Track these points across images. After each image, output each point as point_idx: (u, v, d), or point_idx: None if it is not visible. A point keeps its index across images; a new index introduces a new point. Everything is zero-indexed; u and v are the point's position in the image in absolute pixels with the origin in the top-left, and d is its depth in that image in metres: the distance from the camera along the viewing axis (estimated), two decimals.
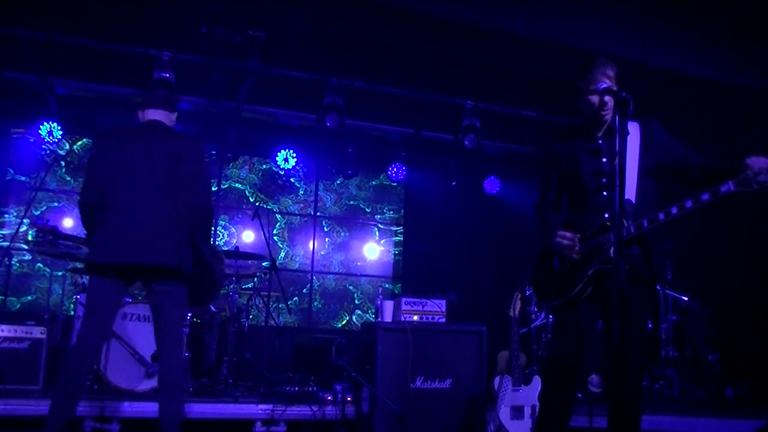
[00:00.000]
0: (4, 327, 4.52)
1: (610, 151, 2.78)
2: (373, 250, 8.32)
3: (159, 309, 3.20)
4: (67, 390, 3.07)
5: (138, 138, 3.31)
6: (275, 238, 7.86)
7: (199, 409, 4.24)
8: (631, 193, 2.72)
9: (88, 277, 3.16)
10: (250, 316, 5.58)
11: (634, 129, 2.82)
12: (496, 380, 4.25)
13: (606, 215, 2.75)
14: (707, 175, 2.68)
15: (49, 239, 3.67)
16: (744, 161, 2.50)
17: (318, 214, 8.12)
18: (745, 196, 2.54)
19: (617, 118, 2.43)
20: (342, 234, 8.23)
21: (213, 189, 7.72)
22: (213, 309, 5.35)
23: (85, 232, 3.35)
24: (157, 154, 3.21)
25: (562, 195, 2.98)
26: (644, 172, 2.76)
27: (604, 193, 2.78)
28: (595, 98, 2.73)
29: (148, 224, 3.11)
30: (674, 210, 2.58)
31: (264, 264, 5.63)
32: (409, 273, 8.09)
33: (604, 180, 2.78)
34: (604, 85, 2.60)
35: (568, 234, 2.77)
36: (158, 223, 3.13)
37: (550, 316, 5.90)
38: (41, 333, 4.55)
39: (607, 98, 2.71)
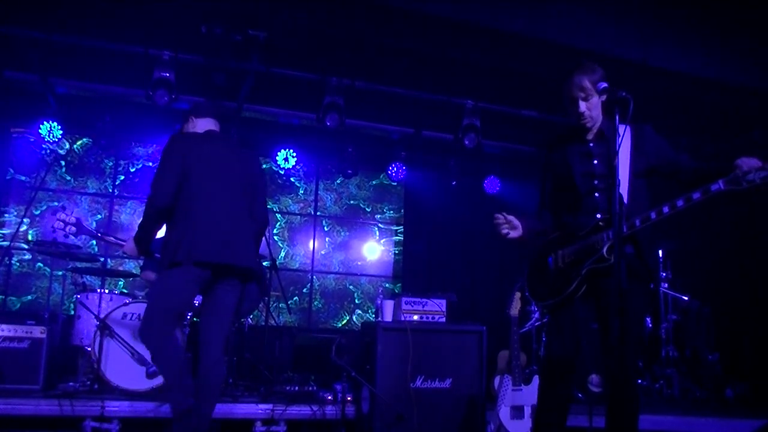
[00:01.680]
0: (4, 327, 4.52)
1: (601, 153, 2.84)
2: (373, 250, 8.32)
3: (221, 305, 3.29)
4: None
5: (215, 145, 3.40)
6: (275, 237, 7.86)
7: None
8: (623, 194, 2.75)
9: (171, 273, 3.14)
10: (250, 316, 5.58)
11: (625, 132, 2.83)
12: (496, 380, 4.25)
13: (598, 216, 2.79)
14: (699, 176, 2.71)
15: (72, 232, 3.55)
16: (734, 161, 2.55)
17: (318, 213, 8.12)
18: (743, 196, 2.56)
19: (617, 117, 2.45)
20: (342, 234, 8.24)
21: None
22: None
23: (144, 233, 3.37)
24: (238, 163, 3.38)
25: (554, 197, 3.04)
26: (636, 174, 2.80)
27: (596, 194, 2.83)
28: (572, 108, 2.81)
29: (236, 228, 3.26)
30: (666, 209, 2.62)
31: (264, 264, 5.63)
32: (409, 273, 8.09)
33: (596, 182, 2.83)
34: (603, 86, 2.61)
35: (509, 216, 2.91)
36: (243, 228, 3.32)
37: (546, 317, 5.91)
38: (41, 333, 4.55)
39: (583, 108, 2.78)
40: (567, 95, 2.82)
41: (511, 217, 2.94)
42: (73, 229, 3.69)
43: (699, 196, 2.57)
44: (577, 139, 2.93)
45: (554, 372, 2.87)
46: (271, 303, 5.45)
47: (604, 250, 2.71)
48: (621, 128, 2.82)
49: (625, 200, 2.75)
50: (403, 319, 4.42)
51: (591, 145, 2.89)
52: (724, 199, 2.60)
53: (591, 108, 2.79)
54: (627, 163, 2.80)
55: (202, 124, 3.52)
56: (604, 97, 2.79)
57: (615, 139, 2.80)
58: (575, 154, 2.91)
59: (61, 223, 3.77)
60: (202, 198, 3.21)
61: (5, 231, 6.84)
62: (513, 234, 2.92)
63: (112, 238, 3.78)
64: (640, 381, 5.62)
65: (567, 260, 2.83)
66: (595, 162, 2.85)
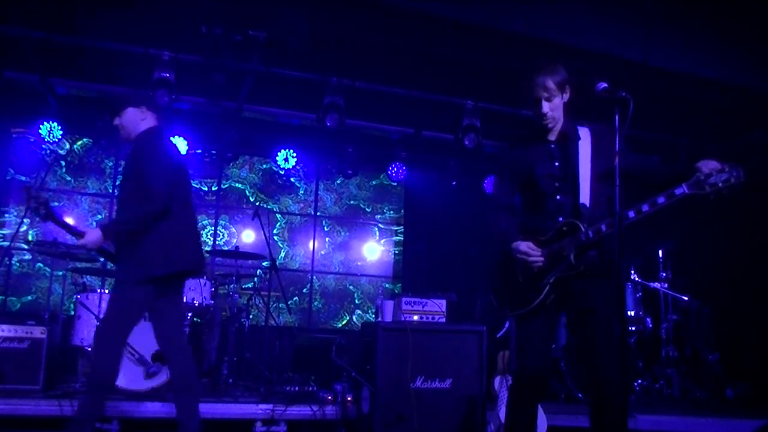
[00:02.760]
0: (4, 327, 4.52)
1: (563, 155, 2.82)
2: (373, 250, 8.32)
3: (170, 310, 3.30)
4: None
5: (173, 144, 3.34)
6: (275, 237, 7.86)
7: (199, 408, 4.24)
8: (585, 197, 2.75)
9: (141, 286, 3.07)
10: (250, 316, 5.58)
11: (585, 134, 2.84)
12: (496, 380, 4.24)
13: (561, 219, 2.75)
14: (662, 180, 2.68)
15: (42, 213, 3.24)
16: (695, 164, 2.53)
17: (318, 213, 8.12)
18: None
19: (617, 118, 2.43)
20: (342, 234, 8.24)
21: (213, 189, 7.73)
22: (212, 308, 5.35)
23: (126, 234, 3.16)
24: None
25: (515, 197, 2.98)
26: (597, 177, 2.76)
27: (558, 197, 2.79)
28: (535, 108, 2.79)
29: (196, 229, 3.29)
30: (631, 214, 2.57)
31: (264, 264, 5.63)
32: (409, 273, 8.09)
33: (558, 184, 2.79)
34: (603, 85, 2.59)
35: (525, 246, 2.75)
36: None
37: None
38: (41, 333, 4.55)
39: (546, 108, 2.75)
40: (530, 95, 2.79)
41: (530, 245, 2.77)
42: (43, 210, 3.35)
43: (664, 201, 2.53)
44: (538, 140, 2.90)
45: (528, 387, 2.77)
46: (271, 303, 5.45)
47: (572, 257, 2.66)
48: (582, 130, 2.84)
49: (588, 203, 2.73)
50: (403, 319, 4.42)
51: (552, 146, 2.85)
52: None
53: (554, 109, 2.77)
54: (588, 166, 2.78)
55: (154, 119, 3.39)
56: (566, 98, 2.79)
57: (575, 139, 2.82)
58: (537, 155, 2.86)
59: (33, 201, 3.29)
60: (176, 204, 3.14)
61: (5, 231, 6.84)
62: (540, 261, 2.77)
63: (71, 227, 3.35)
64: (640, 381, 5.62)
65: (535, 268, 2.75)
66: (557, 164, 2.82)
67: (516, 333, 2.88)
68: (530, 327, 2.78)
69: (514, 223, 2.90)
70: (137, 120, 3.36)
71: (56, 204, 7.12)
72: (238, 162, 7.77)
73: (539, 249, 2.74)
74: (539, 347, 2.77)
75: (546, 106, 2.76)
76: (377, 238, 8.37)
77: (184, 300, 4.95)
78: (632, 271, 5.99)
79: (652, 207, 2.55)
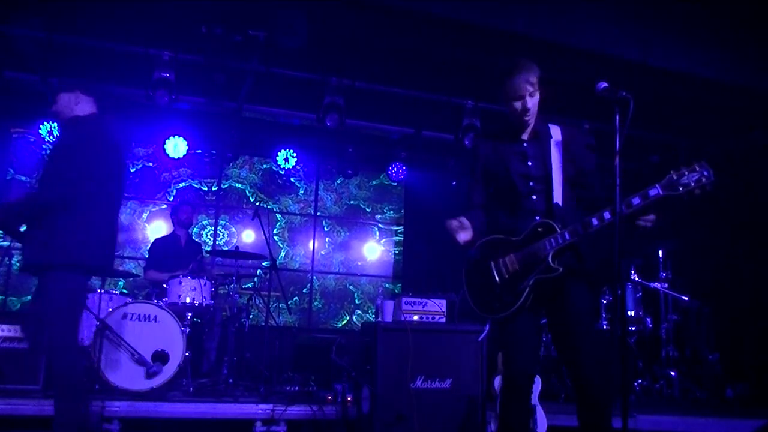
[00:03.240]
0: (4, 327, 4.51)
1: (536, 154, 2.79)
2: (374, 250, 8.33)
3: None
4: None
5: (108, 137, 3.29)
6: (275, 237, 7.86)
7: (199, 409, 4.24)
8: (558, 196, 2.73)
9: (72, 278, 3.00)
10: (251, 316, 5.58)
11: (556, 132, 2.83)
12: (497, 380, 4.24)
13: (537, 218, 2.73)
14: (594, 200, 2.73)
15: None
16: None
17: (318, 213, 8.12)
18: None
19: (617, 118, 2.43)
20: (342, 234, 8.24)
21: (213, 189, 7.73)
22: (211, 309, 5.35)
23: (24, 219, 3.12)
24: None
25: (488, 196, 2.94)
26: (567, 177, 2.76)
27: (534, 197, 2.77)
28: (518, 104, 2.76)
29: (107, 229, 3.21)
30: (607, 215, 2.56)
31: (264, 264, 5.62)
32: (409, 273, 8.09)
33: (532, 184, 2.77)
34: (603, 85, 2.59)
35: (454, 221, 2.78)
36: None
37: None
38: (41, 333, 4.54)
39: (530, 104, 2.74)
40: (512, 93, 2.77)
41: (463, 219, 2.82)
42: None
43: (638, 202, 2.51)
44: (511, 138, 2.87)
45: (520, 387, 2.75)
46: (271, 303, 5.45)
47: (549, 259, 2.64)
48: (553, 128, 2.83)
49: (560, 203, 2.72)
50: (403, 319, 4.42)
51: (525, 145, 2.84)
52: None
53: (534, 105, 2.77)
54: (559, 166, 2.77)
55: (90, 105, 3.30)
56: (537, 96, 2.78)
57: (548, 138, 2.81)
58: (510, 154, 2.83)
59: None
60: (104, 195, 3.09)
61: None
62: (465, 237, 2.79)
63: None
64: (640, 381, 5.62)
65: (511, 270, 2.73)
66: (530, 163, 2.80)
67: (500, 336, 2.83)
68: (513, 330, 2.75)
69: (478, 224, 2.87)
70: (70, 105, 3.32)
71: None
72: (238, 162, 7.78)
73: (516, 251, 2.72)
74: (523, 348, 2.74)
75: (529, 102, 2.75)
76: (377, 238, 8.37)
77: (186, 300, 4.95)
78: (632, 271, 5.99)
79: (628, 208, 2.52)
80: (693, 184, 2.48)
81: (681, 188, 2.48)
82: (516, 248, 2.73)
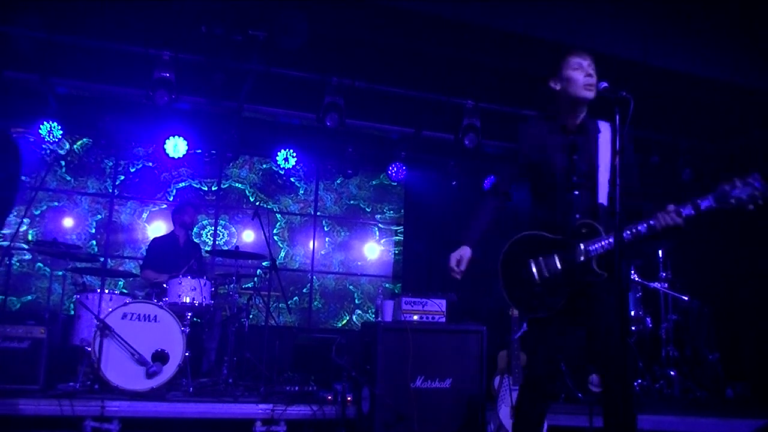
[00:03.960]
0: (4, 327, 4.52)
1: (582, 148, 2.71)
2: (373, 250, 8.32)
3: None
4: None
5: None
6: (275, 237, 7.86)
7: (199, 409, 4.24)
8: (603, 195, 2.67)
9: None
10: (251, 316, 5.58)
11: (605, 129, 2.77)
12: (497, 380, 4.25)
13: (577, 216, 2.66)
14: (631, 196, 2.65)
15: None
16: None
17: (318, 213, 8.12)
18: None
19: (617, 118, 2.41)
20: (342, 234, 8.23)
21: (213, 189, 7.73)
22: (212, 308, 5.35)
23: None
24: None
25: (529, 187, 2.85)
26: (613, 176, 2.63)
27: (576, 192, 2.69)
28: (577, 75, 2.69)
29: None
30: (653, 222, 2.51)
31: (264, 264, 5.62)
32: (409, 273, 8.09)
33: (575, 179, 2.70)
34: (604, 85, 2.58)
35: (455, 259, 2.81)
36: None
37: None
38: (41, 333, 4.55)
39: (592, 80, 2.66)
40: (574, 64, 2.70)
41: (461, 253, 2.86)
42: None
43: (690, 212, 2.47)
44: (558, 130, 2.78)
45: (538, 391, 2.71)
46: (271, 303, 5.45)
47: (594, 264, 2.58)
48: (602, 125, 2.75)
49: (605, 203, 2.65)
50: (403, 319, 4.42)
51: (572, 137, 2.74)
52: (707, 215, 2.54)
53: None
54: (608, 162, 2.69)
55: None
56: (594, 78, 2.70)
57: (596, 133, 2.73)
58: (556, 146, 2.74)
59: None
60: None
61: (5, 231, 6.84)
62: (461, 270, 2.81)
63: None
64: (639, 381, 5.62)
65: (553, 270, 2.66)
66: (576, 157, 2.71)
67: (529, 336, 2.78)
68: (544, 332, 2.70)
69: (482, 224, 2.88)
70: None
71: (56, 204, 7.12)
72: (238, 162, 7.77)
73: (553, 249, 2.63)
74: (549, 353, 2.70)
75: (593, 74, 2.67)
76: (377, 238, 8.36)
77: (186, 300, 4.95)
78: (632, 271, 5.99)
79: (678, 217, 2.47)
80: (745, 199, 2.40)
81: (733, 201, 2.42)
82: (558, 248, 2.65)
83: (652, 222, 2.50)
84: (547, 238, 2.70)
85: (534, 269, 2.70)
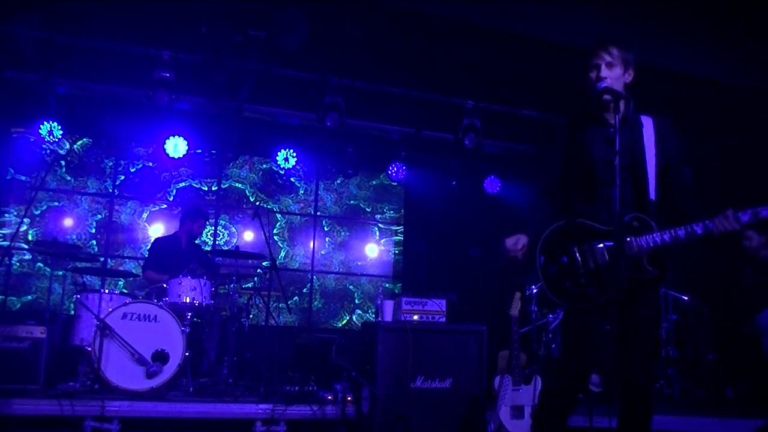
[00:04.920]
0: (4, 327, 4.51)
1: (623, 141, 2.60)
2: (374, 250, 8.32)
3: None
4: None
5: None
6: (275, 237, 7.85)
7: (199, 409, 4.24)
8: (651, 191, 2.59)
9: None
10: (251, 316, 5.57)
11: (648, 123, 2.70)
12: (497, 380, 4.24)
13: (617, 210, 2.52)
14: (677, 194, 2.64)
15: None
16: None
17: (318, 213, 8.12)
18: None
19: (617, 118, 2.40)
20: (342, 233, 8.23)
21: (213, 189, 7.72)
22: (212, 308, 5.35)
23: None
24: None
25: (568, 179, 2.77)
26: (661, 169, 2.62)
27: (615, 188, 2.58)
28: (592, 74, 2.66)
29: None
30: (710, 224, 2.43)
31: (264, 264, 5.62)
32: (409, 272, 8.09)
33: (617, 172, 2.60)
34: (604, 85, 2.58)
35: (510, 242, 2.62)
36: None
37: (550, 316, 5.90)
38: (41, 333, 4.54)
39: (604, 73, 2.63)
40: (590, 64, 2.66)
41: (519, 236, 2.65)
42: None
43: (747, 219, 2.39)
44: (598, 121, 2.70)
45: (571, 387, 2.63)
46: (271, 303, 5.44)
47: (645, 260, 2.51)
48: (645, 119, 2.69)
49: (654, 197, 2.58)
50: (403, 319, 4.42)
51: (612, 129, 2.60)
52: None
53: (612, 78, 2.63)
54: (653, 156, 2.61)
55: None
56: (628, 78, 2.66)
57: (639, 126, 2.67)
58: (596, 138, 2.67)
59: None
60: None
61: (5, 231, 6.84)
62: (522, 253, 2.64)
63: None
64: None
65: (601, 261, 2.56)
66: (616, 149, 2.59)
67: (565, 327, 2.68)
68: (587, 325, 2.58)
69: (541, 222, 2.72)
70: None
71: (56, 204, 7.12)
72: (238, 162, 7.77)
73: (597, 239, 2.55)
74: (588, 348, 2.60)
75: (604, 71, 2.62)
76: (377, 237, 8.36)
77: (186, 300, 4.95)
78: None
79: (737, 223, 2.40)
80: None
81: None
82: (605, 238, 2.56)
83: (709, 224, 2.43)
84: (593, 228, 2.61)
85: (579, 257, 2.59)
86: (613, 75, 2.63)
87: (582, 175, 2.70)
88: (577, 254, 2.61)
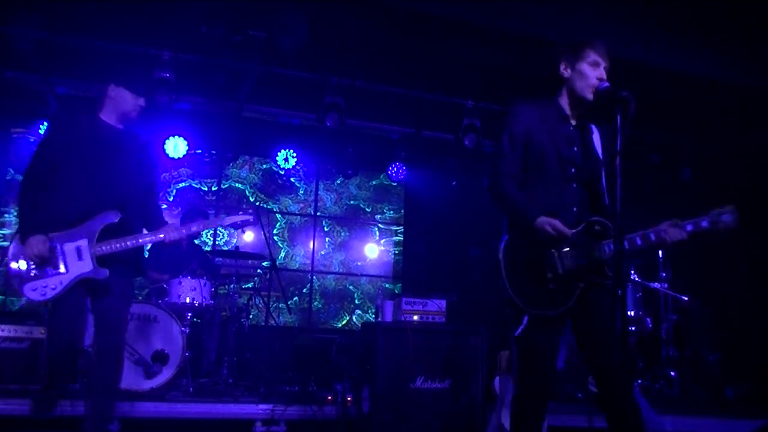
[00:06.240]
0: (4, 327, 4.51)
1: (582, 143, 2.64)
2: (373, 250, 8.32)
3: None
4: None
5: None
6: (275, 238, 7.85)
7: (199, 409, 4.24)
8: (605, 194, 2.62)
9: None
10: (250, 316, 5.57)
11: (596, 131, 2.74)
12: (497, 380, 4.24)
13: (575, 209, 2.58)
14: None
15: None
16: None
17: (318, 213, 8.12)
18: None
19: (618, 118, 2.39)
20: (342, 234, 8.23)
21: (213, 189, 7.72)
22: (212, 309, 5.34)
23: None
24: None
25: (525, 169, 2.66)
26: (607, 174, 2.63)
27: (574, 185, 2.62)
28: (590, 72, 2.62)
29: None
30: (663, 233, 2.48)
31: (264, 264, 5.62)
32: (409, 273, 8.09)
33: (574, 170, 2.62)
34: (604, 85, 2.58)
35: (558, 224, 2.48)
36: None
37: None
38: (41, 333, 4.54)
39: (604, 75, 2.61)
40: (592, 59, 2.61)
41: (559, 225, 2.53)
42: None
43: (691, 228, 2.49)
44: (559, 119, 2.70)
45: (539, 400, 2.57)
46: (271, 303, 5.45)
47: (605, 266, 2.51)
48: (593, 127, 2.72)
49: (606, 200, 2.60)
50: (403, 319, 4.42)
51: (572, 129, 2.68)
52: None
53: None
54: (601, 162, 2.65)
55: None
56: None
57: (590, 131, 2.69)
58: (559, 135, 2.65)
59: None
60: None
61: (5, 231, 6.84)
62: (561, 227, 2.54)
63: None
64: (639, 381, 5.62)
65: (568, 266, 2.53)
66: (575, 149, 2.64)
67: (529, 337, 2.55)
68: (550, 334, 2.55)
69: (525, 197, 2.60)
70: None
71: None
72: (238, 162, 7.77)
73: (566, 244, 2.52)
74: (553, 358, 2.58)
75: (604, 74, 2.61)
76: (377, 238, 8.36)
77: (186, 300, 4.95)
78: (632, 271, 5.99)
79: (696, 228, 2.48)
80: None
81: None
82: (571, 241, 2.52)
83: (662, 233, 2.46)
84: (561, 231, 2.54)
85: (549, 263, 2.54)
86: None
87: (545, 167, 2.62)
88: (548, 259, 2.54)
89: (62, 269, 2.83)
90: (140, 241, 2.95)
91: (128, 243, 2.93)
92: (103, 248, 2.90)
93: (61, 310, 2.88)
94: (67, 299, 2.87)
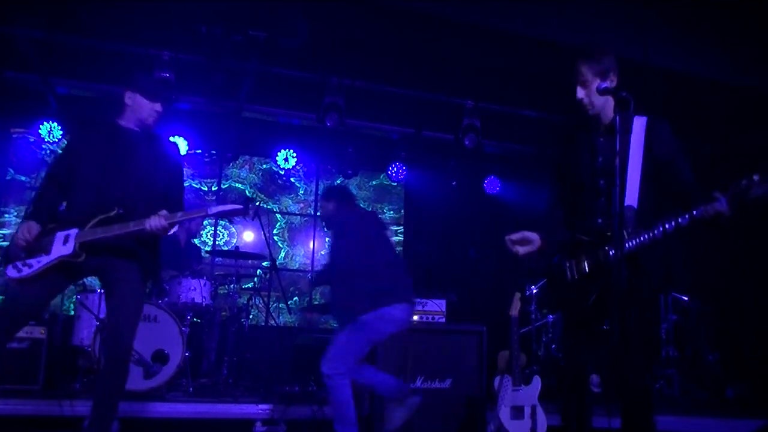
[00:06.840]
0: None
1: (608, 149, 2.60)
2: None
3: None
4: None
5: None
6: (275, 237, 7.85)
7: (199, 409, 4.24)
8: (632, 197, 2.55)
9: None
10: (250, 316, 5.57)
11: (639, 125, 2.67)
12: (497, 380, 4.24)
13: (599, 220, 2.61)
14: (679, 192, 2.62)
15: None
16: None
17: (318, 213, 8.12)
18: None
19: (618, 118, 2.37)
20: None
21: (213, 189, 7.73)
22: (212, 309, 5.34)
23: None
24: None
25: (564, 194, 2.82)
26: (647, 175, 2.59)
27: (602, 197, 2.63)
28: (578, 91, 2.67)
29: None
30: (682, 221, 2.45)
31: (264, 264, 5.62)
32: (409, 273, 8.08)
33: (602, 182, 2.63)
34: (604, 85, 2.57)
35: (525, 233, 2.71)
36: None
37: (550, 316, 5.90)
38: (41, 333, 4.54)
39: (579, 95, 2.65)
40: (576, 73, 2.70)
41: (524, 233, 2.73)
42: None
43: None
44: (586, 132, 2.74)
45: (577, 383, 2.74)
46: (271, 303, 5.45)
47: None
48: (637, 121, 2.66)
49: (635, 205, 2.55)
50: None
51: (600, 139, 2.68)
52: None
53: (589, 95, 2.64)
54: (638, 162, 2.59)
55: None
56: (608, 85, 2.59)
57: (623, 132, 2.56)
58: (584, 149, 2.71)
59: None
60: None
61: (5, 231, 6.84)
62: (524, 250, 2.72)
63: None
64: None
65: (581, 272, 2.62)
66: (600, 159, 2.64)
67: (565, 339, 2.87)
68: (580, 331, 2.71)
69: (555, 219, 2.82)
70: None
71: None
72: (238, 162, 7.77)
73: (580, 252, 2.62)
74: (584, 351, 2.71)
75: (580, 92, 2.66)
76: None
77: (186, 300, 4.94)
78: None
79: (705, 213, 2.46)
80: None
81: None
82: (584, 251, 2.63)
83: (695, 213, 2.45)
84: (578, 240, 2.66)
85: (567, 270, 2.69)
86: (588, 91, 2.65)
87: (572, 186, 2.75)
88: (567, 268, 2.69)
89: (46, 252, 2.90)
90: (126, 230, 2.95)
91: (115, 230, 2.94)
92: (88, 236, 2.92)
93: (29, 287, 2.90)
94: (40, 280, 2.90)
